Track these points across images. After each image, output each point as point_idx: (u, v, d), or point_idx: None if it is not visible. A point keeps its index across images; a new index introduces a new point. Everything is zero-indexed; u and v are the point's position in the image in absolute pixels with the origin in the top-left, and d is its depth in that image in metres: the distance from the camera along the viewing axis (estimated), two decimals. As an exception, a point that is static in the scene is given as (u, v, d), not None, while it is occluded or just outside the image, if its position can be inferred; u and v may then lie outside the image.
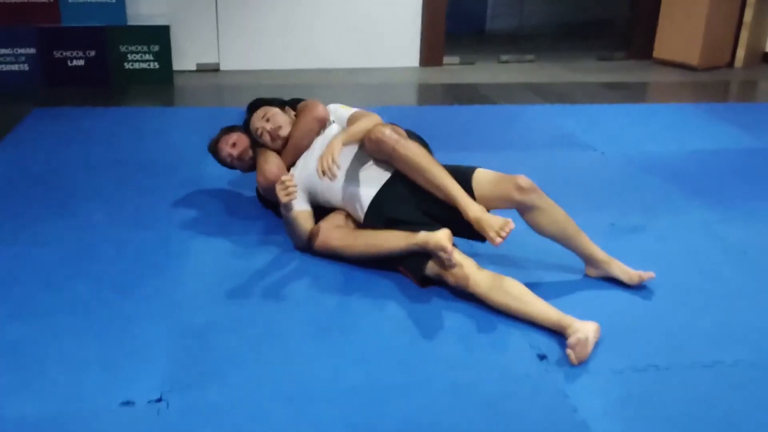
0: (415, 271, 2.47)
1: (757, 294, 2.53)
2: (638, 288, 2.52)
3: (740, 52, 6.24)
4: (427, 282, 2.48)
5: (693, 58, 6.05)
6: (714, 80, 5.87)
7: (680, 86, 5.70)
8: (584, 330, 2.15)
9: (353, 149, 2.67)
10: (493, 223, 2.36)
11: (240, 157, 2.95)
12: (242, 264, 2.62)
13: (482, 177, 2.55)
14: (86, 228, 2.88)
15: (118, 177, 3.41)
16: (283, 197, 2.50)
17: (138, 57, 5.06)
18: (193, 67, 5.50)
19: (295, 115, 2.88)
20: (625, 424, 1.88)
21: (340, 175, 2.63)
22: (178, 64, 5.29)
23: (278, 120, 2.84)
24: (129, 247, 2.73)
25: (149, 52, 5.07)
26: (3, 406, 1.87)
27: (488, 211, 2.47)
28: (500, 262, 2.61)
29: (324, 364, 2.08)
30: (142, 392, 1.93)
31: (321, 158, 2.53)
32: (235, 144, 2.95)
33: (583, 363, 2.10)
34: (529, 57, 6.20)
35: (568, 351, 2.11)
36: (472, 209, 2.43)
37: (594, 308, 2.38)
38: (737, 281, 2.61)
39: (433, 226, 2.45)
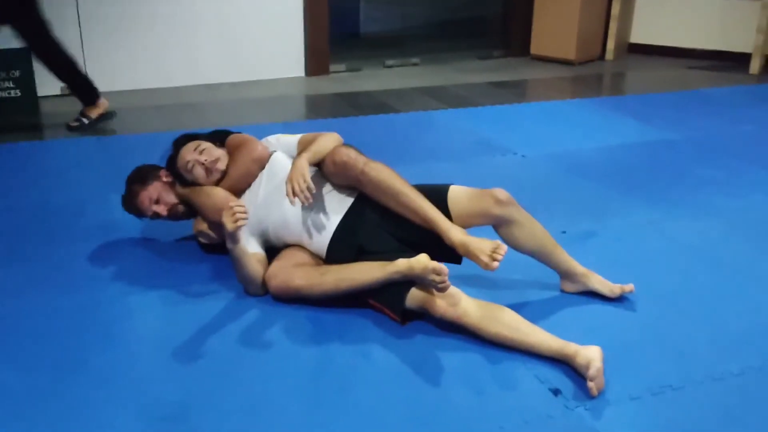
0: (394, 305, 2.23)
1: (734, 295, 2.49)
2: (620, 301, 2.43)
3: (610, 45, 6.45)
4: (407, 317, 2.26)
5: (570, 53, 6.19)
6: (592, 73, 6.03)
7: (564, 81, 5.79)
8: (596, 357, 2.01)
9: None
10: (484, 247, 2.17)
11: (171, 214, 2.59)
12: (195, 320, 2.27)
13: (457, 194, 2.36)
14: (-6, 296, 2.42)
15: (13, 228, 2.93)
16: (229, 224, 2.19)
17: (-4, 85, 4.48)
18: (58, 92, 4.94)
19: (227, 152, 2.57)
20: (669, 458, 1.76)
21: (296, 204, 2.35)
22: (40, 90, 4.73)
23: (213, 153, 2.52)
24: (57, 315, 2.29)
25: (9, 79, 4.50)
26: None
27: (466, 230, 2.29)
28: (468, 284, 2.40)
29: (333, 434, 1.81)
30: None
31: (289, 181, 2.26)
32: (159, 200, 2.57)
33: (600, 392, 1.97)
34: (414, 60, 6.09)
35: (590, 384, 1.96)
36: (455, 233, 2.23)
37: (586, 328, 2.27)
38: (708, 283, 2.58)
39: (407, 254, 2.22)
